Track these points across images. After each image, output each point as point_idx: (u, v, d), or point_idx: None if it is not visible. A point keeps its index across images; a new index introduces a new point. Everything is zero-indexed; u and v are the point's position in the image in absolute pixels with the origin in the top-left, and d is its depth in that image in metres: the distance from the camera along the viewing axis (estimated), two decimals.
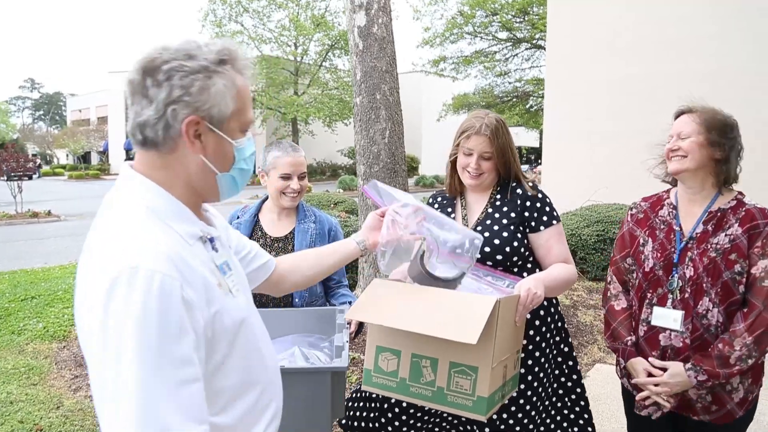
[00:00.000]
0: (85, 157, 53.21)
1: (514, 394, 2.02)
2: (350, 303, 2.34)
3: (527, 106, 26.71)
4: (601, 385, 4.01)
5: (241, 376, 1.14)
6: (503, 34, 24.87)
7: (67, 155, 54.25)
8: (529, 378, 2.09)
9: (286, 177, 2.37)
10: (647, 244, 2.10)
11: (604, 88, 8.91)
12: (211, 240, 1.17)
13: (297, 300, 2.35)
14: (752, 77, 7.48)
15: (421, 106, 36.74)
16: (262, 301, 2.37)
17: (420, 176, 31.31)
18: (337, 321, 2.13)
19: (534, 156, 39.88)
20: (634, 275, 2.13)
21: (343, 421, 2.28)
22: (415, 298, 1.76)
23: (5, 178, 17.88)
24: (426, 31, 24.75)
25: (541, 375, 2.12)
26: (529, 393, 2.08)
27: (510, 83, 27.07)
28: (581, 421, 2.24)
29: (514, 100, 26.40)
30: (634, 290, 2.13)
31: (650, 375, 1.99)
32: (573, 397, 2.25)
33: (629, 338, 2.10)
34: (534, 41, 24.43)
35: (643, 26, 8.46)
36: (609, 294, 2.22)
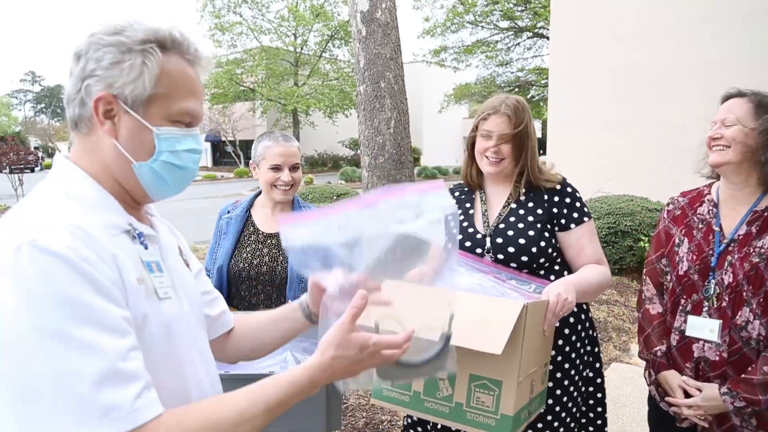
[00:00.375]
0: None
1: (542, 410, 1.84)
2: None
3: (528, 96, 26.48)
4: (619, 386, 3.81)
5: None
6: (505, 23, 24.64)
7: (69, 148, 54.06)
8: (558, 392, 1.91)
9: (276, 168, 2.21)
10: (682, 244, 1.91)
11: (609, 76, 8.72)
12: (140, 235, 1.05)
13: (290, 301, 2.17)
14: (761, 63, 7.27)
15: (422, 96, 36.47)
16: (252, 302, 2.22)
17: (422, 167, 31.12)
18: None
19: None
20: (668, 278, 1.95)
21: None
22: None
23: (7, 170, 17.85)
24: (426, 21, 24.51)
25: (572, 389, 1.94)
26: (557, 409, 1.90)
27: (512, 73, 26.88)
28: None
29: (516, 90, 26.16)
30: (668, 294, 1.95)
31: (686, 392, 1.82)
32: (592, 415, 2.06)
33: (659, 348, 1.93)
34: (536, 30, 24.19)
35: (647, 12, 8.27)
36: (643, 296, 2.04)
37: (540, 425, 1.88)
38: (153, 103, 1.01)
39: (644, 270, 2.08)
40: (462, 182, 2.13)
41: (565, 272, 1.94)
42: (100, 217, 0.98)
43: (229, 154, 36.95)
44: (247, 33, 32.71)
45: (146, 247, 1.05)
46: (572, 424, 1.94)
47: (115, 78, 0.98)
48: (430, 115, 36.54)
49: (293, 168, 2.23)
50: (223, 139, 35.38)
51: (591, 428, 2.05)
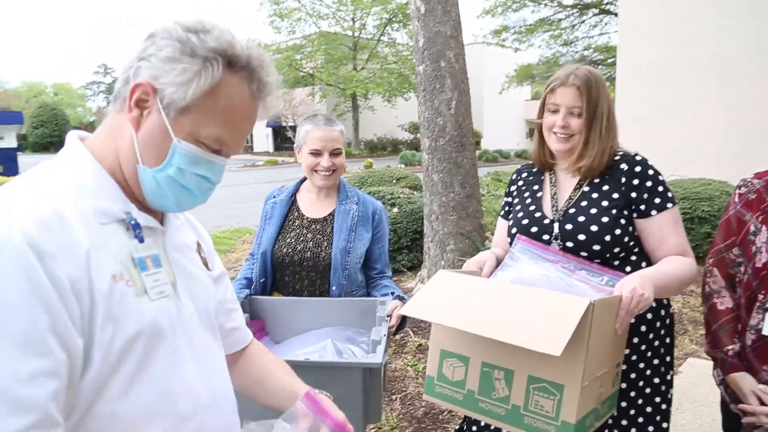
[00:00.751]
0: None
1: (614, 414, 1.67)
2: (392, 294, 2.10)
3: None
4: (696, 384, 3.54)
5: (125, 406, 0.89)
6: (569, 0, 23.66)
7: None
8: (632, 395, 1.73)
9: (316, 153, 2.14)
10: (760, 232, 1.67)
11: (682, 54, 8.17)
12: (135, 227, 0.95)
13: (335, 289, 2.11)
14: None
15: (483, 78, 35.77)
16: (295, 288, 2.16)
17: (482, 151, 30.56)
18: (378, 314, 1.94)
19: None
20: (742, 269, 1.72)
21: None
22: (488, 294, 1.47)
23: None
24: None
25: (648, 391, 1.75)
26: (632, 412, 1.72)
27: (576, 52, 25.88)
28: None
29: None
30: (742, 288, 1.72)
31: (760, 399, 1.60)
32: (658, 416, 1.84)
33: (731, 347, 1.72)
34: (603, 6, 23.13)
35: None
36: (708, 289, 1.82)
37: None
38: (187, 114, 0.93)
39: (709, 260, 1.86)
40: (532, 162, 1.96)
41: (643, 263, 1.73)
42: (91, 203, 0.91)
43: (289, 139, 37.53)
44: (305, 19, 33.07)
45: (141, 240, 0.96)
46: (650, 428, 1.75)
47: (164, 72, 0.92)
48: (491, 98, 35.87)
49: (334, 153, 2.14)
50: (284, 124, 35.95)
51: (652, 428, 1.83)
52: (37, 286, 0.77)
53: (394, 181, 9.48)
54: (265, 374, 1.27)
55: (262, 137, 45.98)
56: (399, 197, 6.41)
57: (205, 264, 1.15)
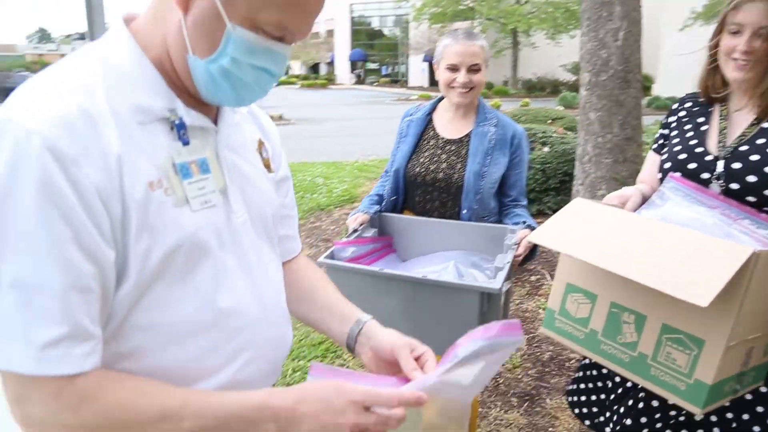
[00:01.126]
0: (315, 68, 60.62)
1: (761, 388, 1.46)
2: (523, 223, 2.01)
3: None
4: None
5: (164, 318, 0.84)
6: None
7: (300, 66, 61.41)
8: None
9: (453, 68, 2.04)
10: None
11: None
12: (179, 127, 0.83)
13: (465, 212, 2.06)
14: None
15: (661, 17, 32.05)
16: (426, 208, 2.15)
17: (653, 97, 27.76)
18: (505, 242, 1.90)
19: None
20: None
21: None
22: (629, 229, 1.33)
23: None
24: None
25: None
26: None
27: None
28: None
29: None
30: None
31: None
32: None
33: None
34: None
35: None
36: None
37: (761, 409, 1.47)
38: None
39: None
40: (697, 92, 1.71)
41: None
42: (129, 98, 0.80)
43: None
44: None
45: (186, 143, 0.85)
46: None
47: None
48: (670, 39, 32.21)
49: (472, 69, 2.04)
50: None
51: None
52: (58, 196, 0.70)
53: (550, 120, 9.03)
54: (313, 287, 1.16)
55: (418, 71, 45.90)
56: (552, 136, 6.09)
57: (267, 166, 1.05)
